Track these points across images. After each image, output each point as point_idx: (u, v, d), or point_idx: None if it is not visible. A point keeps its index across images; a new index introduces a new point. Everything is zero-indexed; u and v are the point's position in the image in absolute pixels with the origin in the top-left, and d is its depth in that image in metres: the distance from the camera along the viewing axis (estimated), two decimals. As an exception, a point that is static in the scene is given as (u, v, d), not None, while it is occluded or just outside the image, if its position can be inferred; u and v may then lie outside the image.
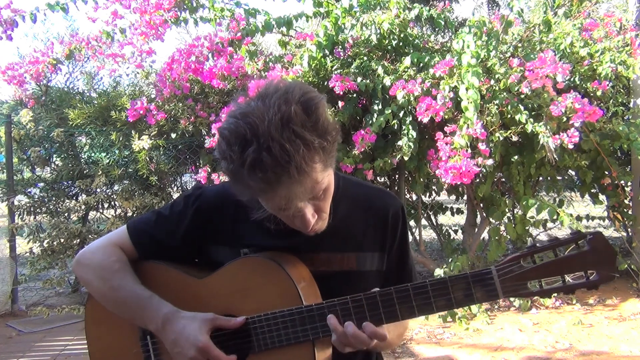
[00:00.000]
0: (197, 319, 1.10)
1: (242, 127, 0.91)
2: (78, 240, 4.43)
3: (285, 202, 0.97)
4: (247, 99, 0.96)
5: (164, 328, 1.11)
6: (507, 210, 4.26)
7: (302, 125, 0.91)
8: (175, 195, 4.64)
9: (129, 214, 4.47)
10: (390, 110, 3.72)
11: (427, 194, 5.06)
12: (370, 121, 3.77)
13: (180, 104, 4.24)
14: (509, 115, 3.65)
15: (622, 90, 4.53)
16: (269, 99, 0.93)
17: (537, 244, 0.99)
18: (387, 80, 3.74)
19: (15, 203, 4.63)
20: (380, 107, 3.80)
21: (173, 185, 4.92)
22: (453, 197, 5.24)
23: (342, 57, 4.12)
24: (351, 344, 1.05)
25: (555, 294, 3.91)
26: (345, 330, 1.03)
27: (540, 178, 4.49)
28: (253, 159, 0.89)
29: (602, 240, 0.96)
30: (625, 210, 4.41)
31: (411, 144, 3.69)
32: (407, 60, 3.86)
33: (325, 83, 3.81)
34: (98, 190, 4.69)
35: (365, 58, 4.02)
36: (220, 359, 1.08)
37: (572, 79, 3.99)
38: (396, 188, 4.48)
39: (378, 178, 4.53)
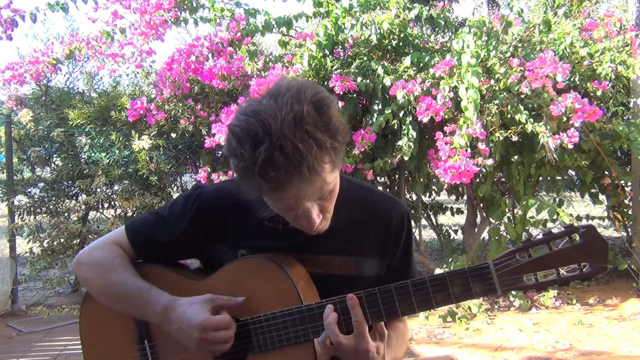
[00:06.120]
0: (194, 302, 1.09)
1: (254, 124, 0.90)
2: (78, 240, 4.42)
3: (295, 202, 0.96)
4: (258, 97, 0.95)
5: (165, 318, 1.10)
6: (507, 210, 4.26)
7: (314, 125, 0.90)
8: (175, 195, 4.63)
9: (129, 214, 4.46)
10: (390, 110, 3.72)
11: (427, 194, 5.06)
12: (370, 121, 3.77)
13: (180, 104, 4.24)
14: (509, 115, 3.65)
15: (622, 90, 4.53)
16: (281, 97, 0.91)
17: (532, 239, 1.01)
18: (387, 80, 3.74)
19: (15, 203, 4.63)
20: (380, 107, 3.79)
21: (173, 185, 4.92)
22: (453, 197, 5.25)
23: (342, 57, 4.12)
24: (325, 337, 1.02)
25: (555, 295, 3.97)
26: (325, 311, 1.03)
27: (540, 178, 4.49)
28: (265, 157, 0.88)
29: (594, 233, 0.98)
30: (625, 210, 4.40)
31: (411, 144, 3.69)
32: (407, 60, 3.86)
33: (326, 83, 3.81)
34: (98, 190, 4.68)
35: (365, 58, 4.02)
36: (223, 324, 1.07)
37: (572, 79, 3.99)
38: (396, 188, 4.48)
39: (378, 178, 4.54)
